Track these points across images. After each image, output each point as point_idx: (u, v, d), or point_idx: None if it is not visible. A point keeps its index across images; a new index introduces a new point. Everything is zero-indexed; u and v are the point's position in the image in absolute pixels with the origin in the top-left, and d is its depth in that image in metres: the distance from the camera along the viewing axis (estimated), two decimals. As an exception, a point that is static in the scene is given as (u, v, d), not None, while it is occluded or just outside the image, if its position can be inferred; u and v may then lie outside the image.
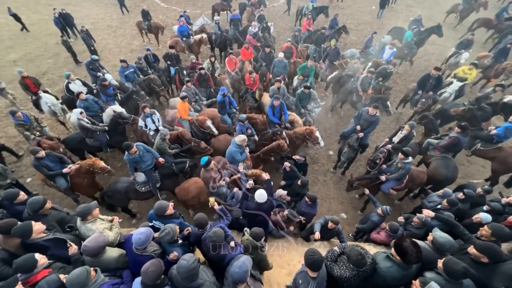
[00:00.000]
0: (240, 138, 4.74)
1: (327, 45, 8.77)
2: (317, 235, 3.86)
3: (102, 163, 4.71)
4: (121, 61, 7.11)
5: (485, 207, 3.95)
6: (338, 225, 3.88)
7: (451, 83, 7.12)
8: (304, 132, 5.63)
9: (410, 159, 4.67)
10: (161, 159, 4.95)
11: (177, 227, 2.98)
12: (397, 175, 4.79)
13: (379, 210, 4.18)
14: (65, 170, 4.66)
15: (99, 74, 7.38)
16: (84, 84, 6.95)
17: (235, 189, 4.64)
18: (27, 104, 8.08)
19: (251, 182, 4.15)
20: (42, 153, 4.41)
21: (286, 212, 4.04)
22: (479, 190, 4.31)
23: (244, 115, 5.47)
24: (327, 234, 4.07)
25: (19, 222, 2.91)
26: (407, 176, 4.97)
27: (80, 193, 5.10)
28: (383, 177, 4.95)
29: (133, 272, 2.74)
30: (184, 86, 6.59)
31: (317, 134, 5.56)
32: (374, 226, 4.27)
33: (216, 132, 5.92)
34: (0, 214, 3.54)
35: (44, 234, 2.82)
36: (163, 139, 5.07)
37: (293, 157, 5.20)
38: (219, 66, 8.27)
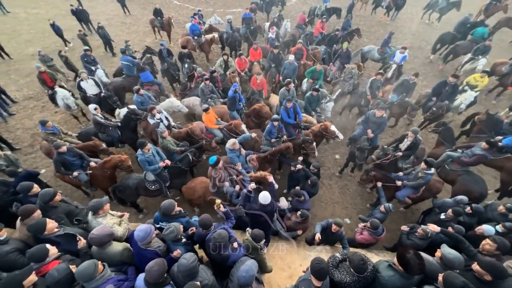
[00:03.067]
0: (230, 142, 4.82)
1: (339, 47, 8.65)
2: (317, 236, 3.85)
3: (130, 162, 5.05)
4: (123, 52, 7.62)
5: (499, 228, 3.60)
6: (341, 228, 3.85)
7: (464, 90, 6.92)
8: (320, 129, 5.63)
9: (432, 170, 4.54)
10: (163, 163, 4.83)
11: (181, 226, 3.05)
12: (416, 184, 4.65)
13: (381, 208, 4.22)
14: (92, 164, 4.97)
15: (92, 68, 7.61)
16: (96, 83, 6.95)
17: (238, 187, 4.64)
18: (43, 97, 8.38)
19: (252, 184, 4.20)
20: (64, 148, 4.65)
21: (299, 212, 4.09)
22: (500, 208, 4.09)
23: (276, 116, 5.47)
24: (330, 237, 4.06)
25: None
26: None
27: (98, 186, 5.27)
28: (399, 183, 4.88)
29: (137, 266, 2.85)
30: (202, 83, 6.63)
31: (333, 128, 5.52)
32: None
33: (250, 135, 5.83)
34: (15, 207, 3.73)
35: (56, 230, 2.96)
36: (162, 136, 5.16)
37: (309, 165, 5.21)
38: (233, 64, 8.17)
